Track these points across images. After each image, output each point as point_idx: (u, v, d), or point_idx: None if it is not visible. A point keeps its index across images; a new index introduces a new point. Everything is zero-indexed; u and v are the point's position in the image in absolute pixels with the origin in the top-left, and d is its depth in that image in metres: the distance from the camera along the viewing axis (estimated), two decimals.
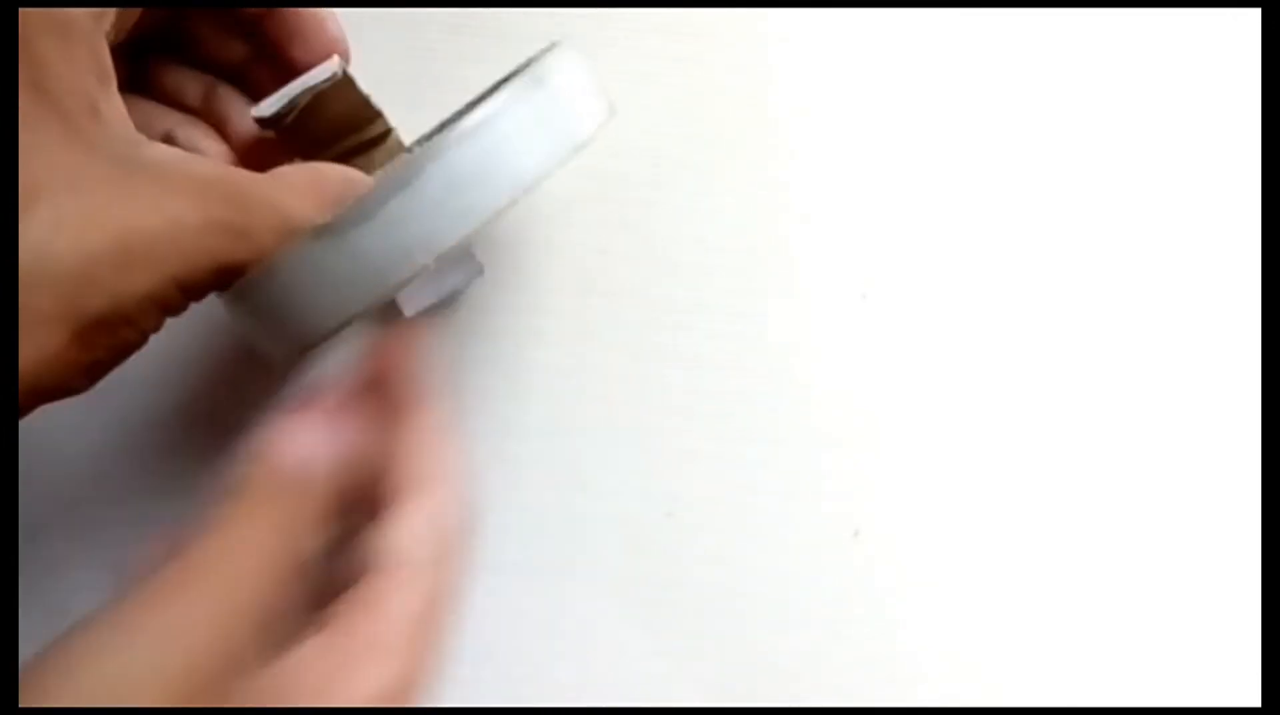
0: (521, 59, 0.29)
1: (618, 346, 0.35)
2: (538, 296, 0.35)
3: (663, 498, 0.35)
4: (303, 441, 0.24)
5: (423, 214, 0.24)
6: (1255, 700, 0.34)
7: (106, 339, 0.24)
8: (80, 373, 0.25)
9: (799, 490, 0.35)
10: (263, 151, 0.30)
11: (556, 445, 0.35)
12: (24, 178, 0.23)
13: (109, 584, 0.34)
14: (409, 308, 0.33)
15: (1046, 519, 0.35)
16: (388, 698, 0.22)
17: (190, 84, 0.31)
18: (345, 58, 0.31)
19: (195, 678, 0.21)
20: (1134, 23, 0.36)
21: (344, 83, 0.30)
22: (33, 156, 0.23)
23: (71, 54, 0.24)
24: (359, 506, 0.24)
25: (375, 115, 0.31)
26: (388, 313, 0.34)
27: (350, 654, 0.22)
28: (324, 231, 0.25)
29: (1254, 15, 0.36)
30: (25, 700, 0.20)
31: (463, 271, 0.34)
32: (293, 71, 0.30)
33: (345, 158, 0.31)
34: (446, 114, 0.32)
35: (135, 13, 0.27)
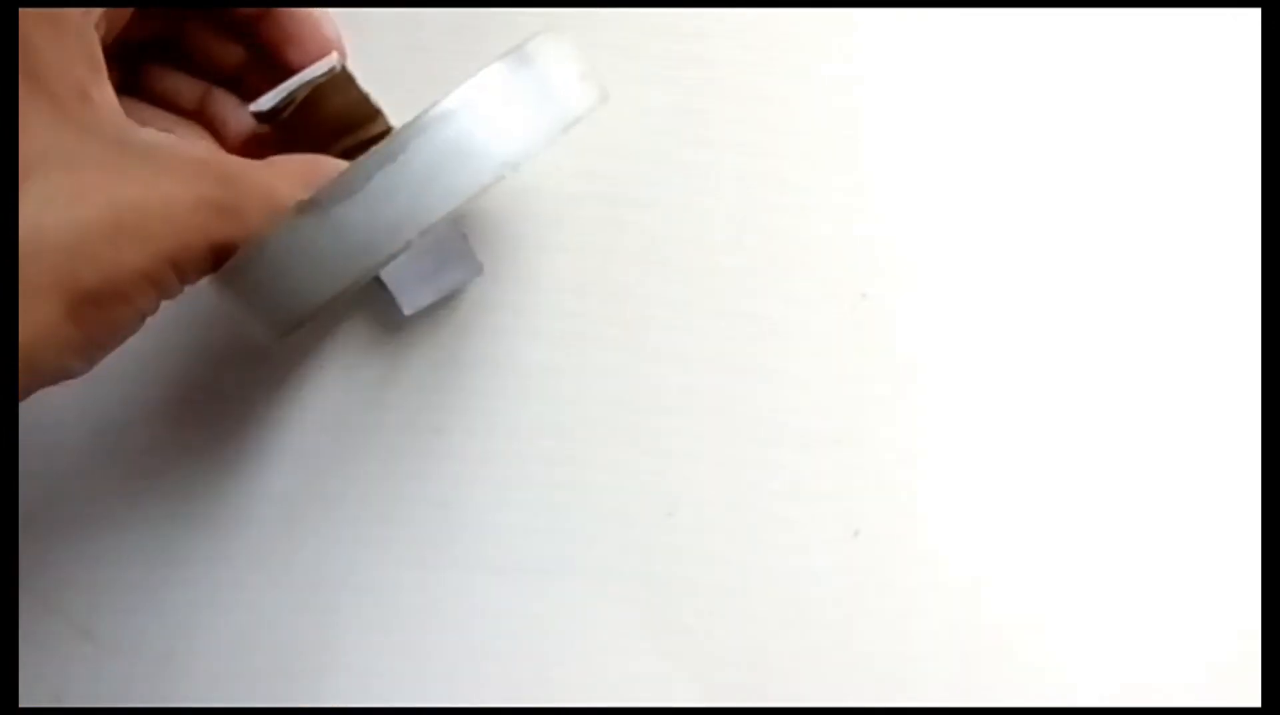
0: None
1: (617, 346, 0.35)
2: (537, 296, 0.35)
3: (663, 498, 0.35)
4: None
5: (407, 190, 0.25)
6: (1255, 700, 0.34)
7: (101, 315, 0.24)
8: (76, 352, 0.25)
9: (799, 490, 0.35)
10: (260, 153, 0.30)
11: (556, 445, 0.35)
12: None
13: (102, 580, 0.34)
14: (408, 307, 0.33)
15: (1046, 519, 0.35)
16: None
17: (186, 89, 0.31)
18: (342, 56, 0.31)
19: None
20: (1134, 23, 0.36)
21: (342, 78, 0.30)
22: (24, 136, 0.24)
23: (62, 44, 0.24)
24: None
25: (375, 114, 0.31)
26: (387, 312, 0.34)
27: None
28: (308, 207, 0.25)
29: (1254, 15, 0.36)
30: None
31: (462, 270, 0.34)
32: (289, 74, 0.30)
33: (345, 157, 0.31)
34: None
35: (126, 11, 0.27)
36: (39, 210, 0.23)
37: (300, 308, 0.26)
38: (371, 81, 0.31)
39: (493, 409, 0.35)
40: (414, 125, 0.25)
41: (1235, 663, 0.35)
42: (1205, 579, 0.35)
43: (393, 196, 0.25)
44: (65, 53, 0.24)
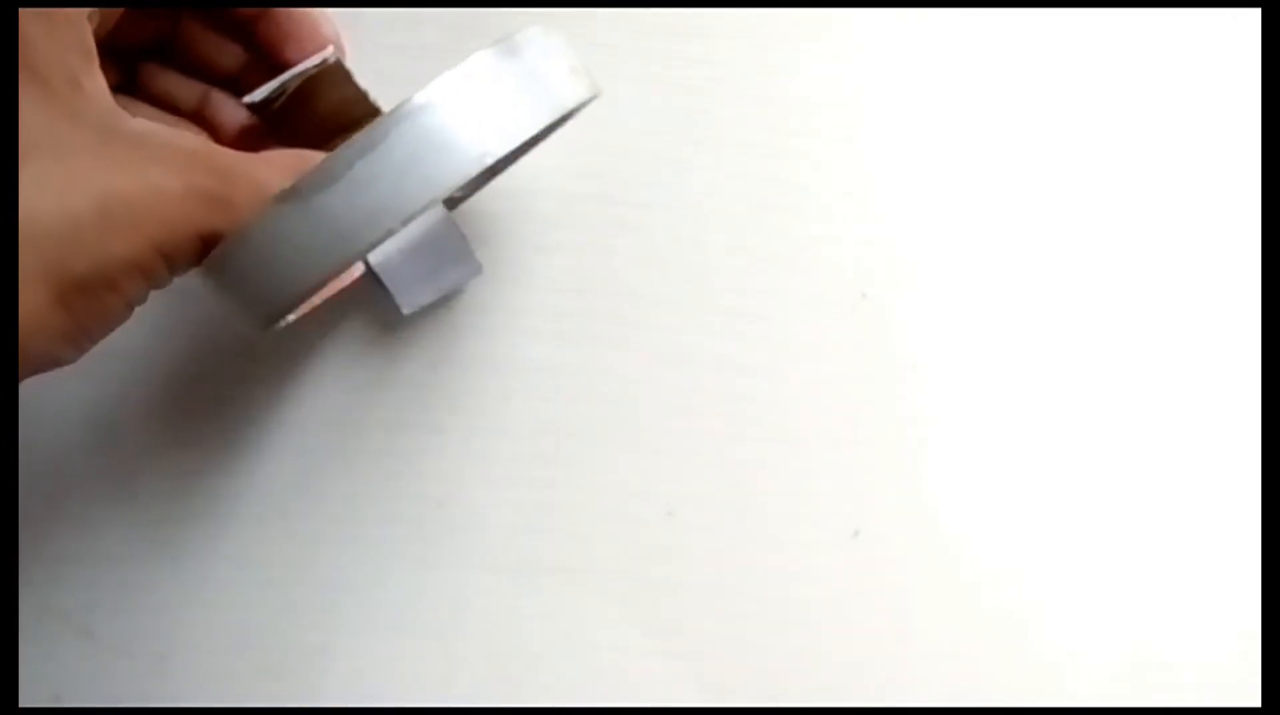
0: None
1: (617, 346, 0.35)
2: (536, 296, 0.35)
3: (663, 498, 0.35)
4: None
5: (388, 178, 0.24)
6: (1255, 700, 0.34)
7: (90, 303, 0.24)
8: (65, 339, 0.24)
9: (799, 490, 0.35)
10: (256, 150, 0.30)
11: (555, 445, 0.35)
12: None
13: (102, 580, 0.34)
14: (407, 306, 0.33)
15: (1046, 518, 0.35)
16: None
17: (185, 90, 0.31)
18: (340, 54, 0.31)
19: None
20: (1134, 23, 0.36)
21: (337, 71, 0.30)
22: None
23: (55, 33, 0.24)
24: None
25: (374, 111, 0.31)
26: (385, 312, 0.34)
27: None
28: (289, 195, 0.25)
29: (1254, 15, 0.36)
30: None
31: (461, 270, 0.34)
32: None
33: None
34: None
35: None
36: (30, 197, 0.23)
37: (283, 297, 0.26)
38: (369, 81, 0.31)
39: (491, 409, 0.35)
40: (396, 113, 0.24)
41: (1235, 663, 0.35)
42: (1205, 579, 0.35)
43: (374, 185, 0.24)
44: (57, 42, 0.24)
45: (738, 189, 0.35)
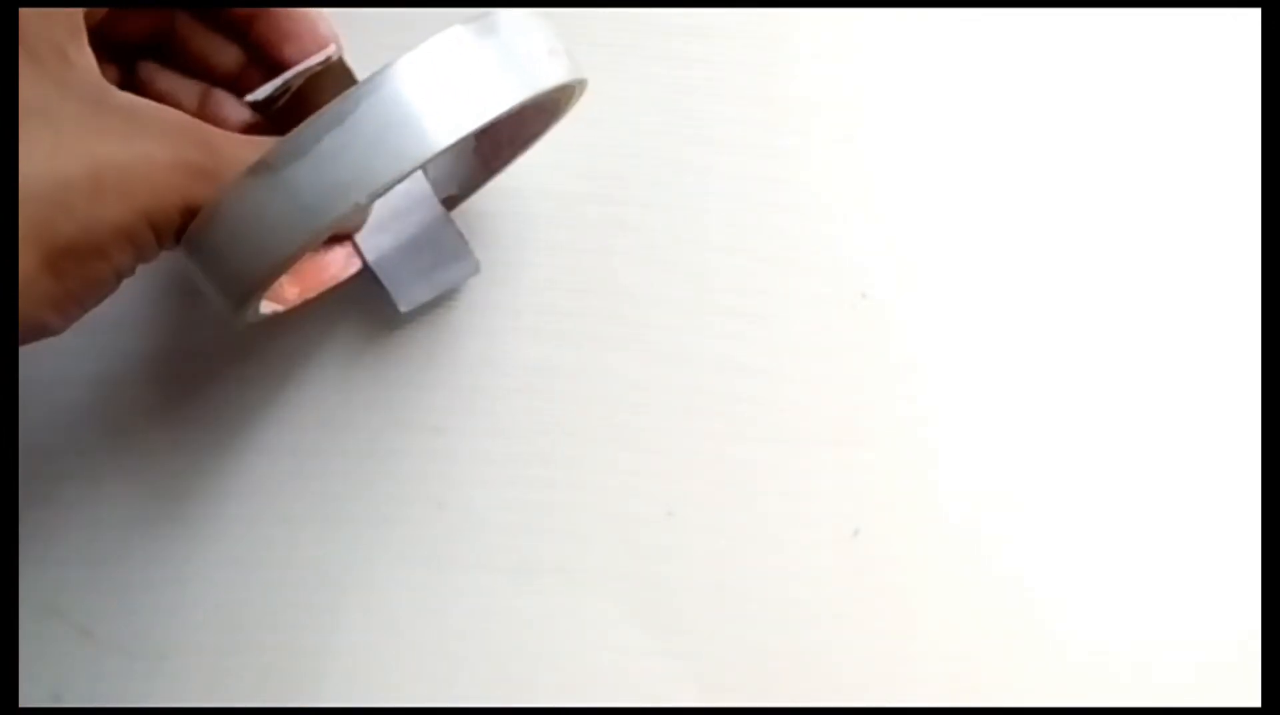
0: None
1: (617, 346, 0.35)
2: (536, 296, 0.35)
3: (663, 498, 0.35)
4: None
5: (357, 151, 0.24)
6: (1255, 700, 0.34)
7: (78, 269, 0.24)
8: (52, 305, 0.24)
9: (799, 490, 0.35)
10: None
11: (555, 445, 0.35)
12: None
13: (102, 580, 0.34)
14: (404, 303, 0.33)
15: (1046, 518, 0.35)
16: None
17: (185, 89, 0.31)
18: (339, 51, 0.31)
19: None
20: (1134, 23, 0.36)
21: (338, 69, 0.30)
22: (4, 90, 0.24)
23: (44, 9, 0.25)
24: None
25: None
26: (383, 310, 0.34)
27: None
28: (259, 168, 0.24)
29: (1254, 15, 0.36)
30: None
31: (459, 268, 0.34)
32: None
33: None
34: None
35: None
36: (20, 162, 0.23)
37: (254, 271, 0.25)
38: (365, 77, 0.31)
39: (491, 409, 0.35)
40: (366, 85, 0.24)
41: (1235, 663, 0.35)
42: (1206, 579, 0.35)
43: (342, 157, 0.24)
44: (45, 16, 0.25)
45: (738, 189, 0.35)
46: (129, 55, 0.30)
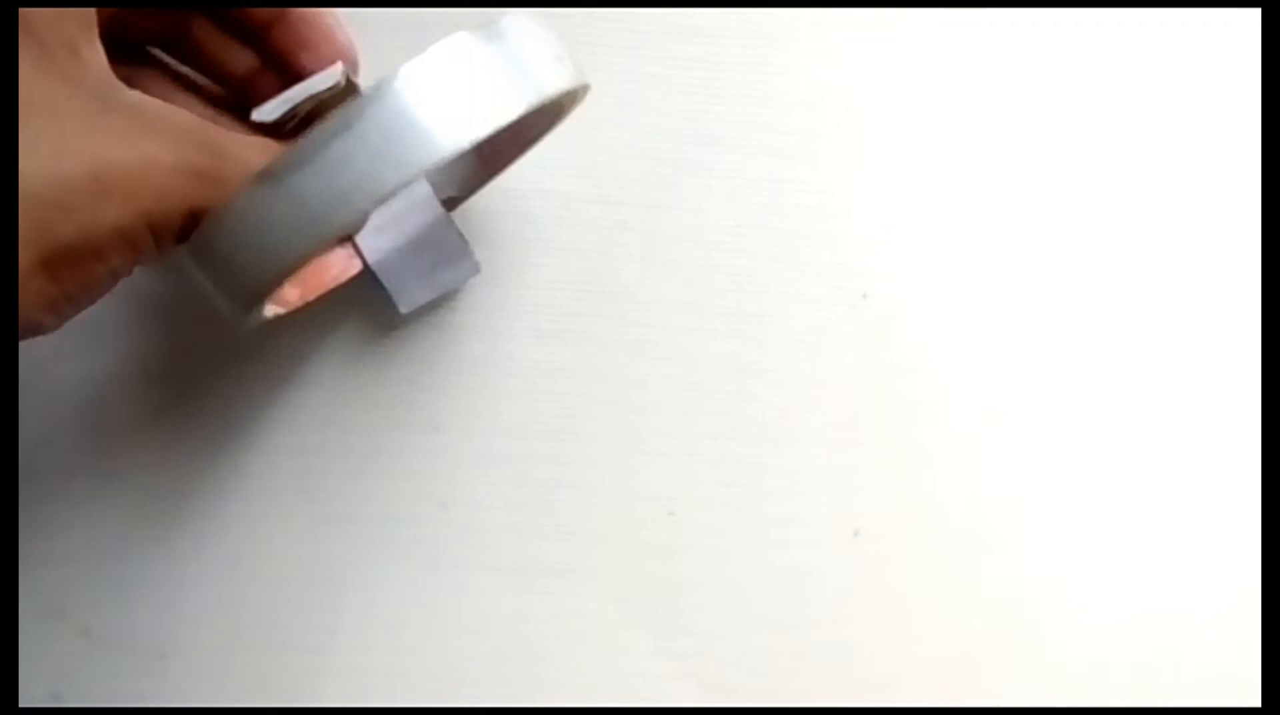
0: None
1: (617, 346, 0.35)
2: (536, 296, 0.35)
3: (663, 498, 0.35)
4: None
5: (362, 159, 0.24)
6: (1255, 700, 0.34)
7: (74, 271, 0.24)
8: (47, 306, 0.24)
9: (799, 490, 0.35)
10: None
11: (556, 445, 0.35)
12: None
13: (101, 580, 0.34)
14: (404, 305, 0.33)
15: (1046, 518, 0.35)
16: None
17: (191, 109, 0.31)
18: (353, 66, 0.31)
19: None
20: (1133, 22, 0.36)
21: (347, 92, 0.30)
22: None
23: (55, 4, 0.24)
24: None
25: None
26: (383, 311, 0.34)
27: None
28: (265, 177, 0.24)
29: (1254, 15, 0.36)
30: None
31: (459, 269, 0.34)
32: (301, 80, 0.30)
33: None
34: None
35: None
36: (21, 159, 0.23)
37: (261, 278, 0.25)
38: (370, 82, 0.31)
39: (492, 409, 0.35)
40: (371, 94, 0.24)
41: (1235, 663, 0.35)
42: (1206, 578, 0.35)
43: (348, 165, 0.24)
44: (59, 9, 0.24)
45: (738, 189, 0.35)
46: (141, 54, 0.30)
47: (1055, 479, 0.35)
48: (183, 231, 0.26)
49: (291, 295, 0.31)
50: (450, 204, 0.34)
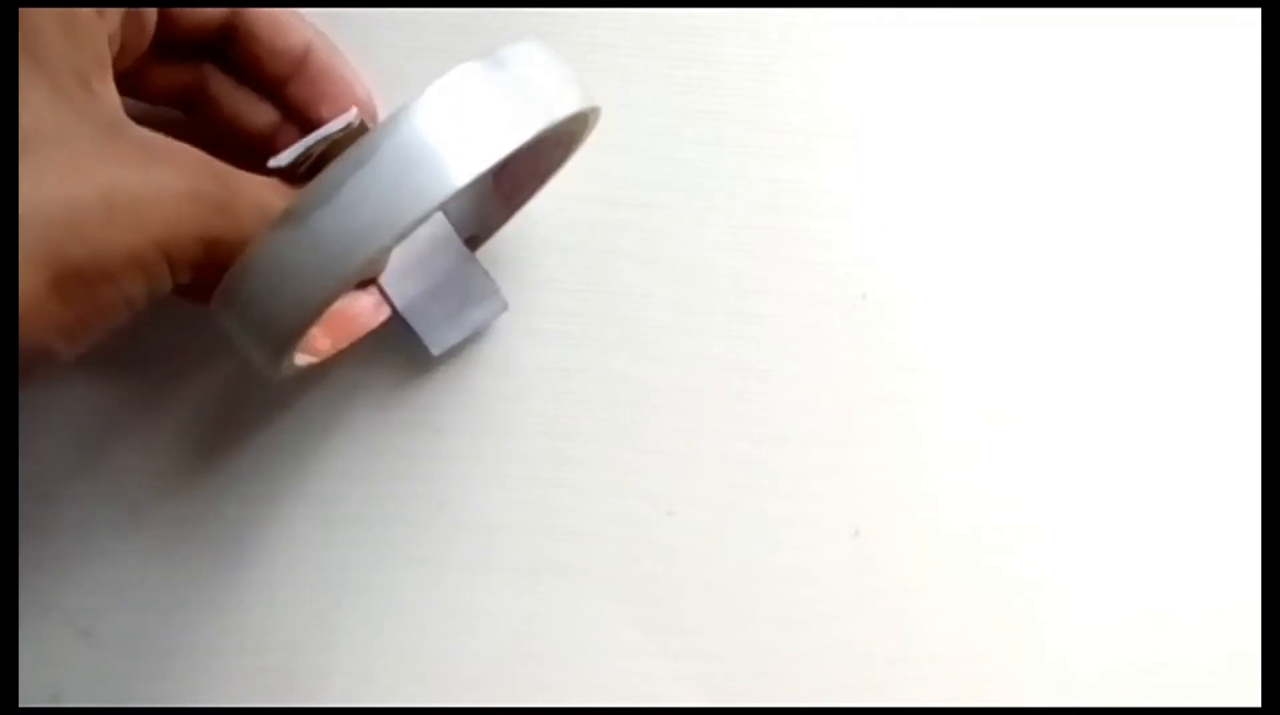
0: None
1: (618, 346, 0.35)
2: (537, 296, 0.35)
3: (663, 498, 0.35)
4: None
5: (381, 192, 0.24)
6: (1255, 700, 0.34)
7: (87, 295, 0.24)
8: (59, 330, 0.24)
9: (799, 490, 0.35)
10: None
11: (556, 445, 0.35)
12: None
13: (102, 580, 0.34)
14: (436, 347, 0.33)
15: (1046, 518, 0.35)
16: None
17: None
18: (371, 117, 0.31)
19: None
20: (1133, 22, 0.36)
21: (360, 132, 0.30)
22: (21, 112, 0.23)
23: (70, 36, 0.24)
24: None
25: None
26: (415, 353, 0.34)
27: None
28: (285, 218, 0.24)
29: (1254, 15, 0.36)
30: None
31: (487, 309, 0.34)
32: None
33: None
34: None
35: (142, 23, 0.27)
36: (30, 184, 0.23)
37: (288, 322, 0.25)
38: (373, 82, 0.31)
39: (493, 409, 0.35)
40: (383, 128, 0.24)
41: (1235, 663, 0.35)
42: (1205, 579, 0.35)
43: (366, 202, 0.24)
44: (71, 43, 0.24)
45: (738, 189, 0.35)
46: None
47: (1055, 479, 0.35)
48: (196, 258, 0.25)
49: (323, 344, 0.31)
50: (473, 243, 0.34)
